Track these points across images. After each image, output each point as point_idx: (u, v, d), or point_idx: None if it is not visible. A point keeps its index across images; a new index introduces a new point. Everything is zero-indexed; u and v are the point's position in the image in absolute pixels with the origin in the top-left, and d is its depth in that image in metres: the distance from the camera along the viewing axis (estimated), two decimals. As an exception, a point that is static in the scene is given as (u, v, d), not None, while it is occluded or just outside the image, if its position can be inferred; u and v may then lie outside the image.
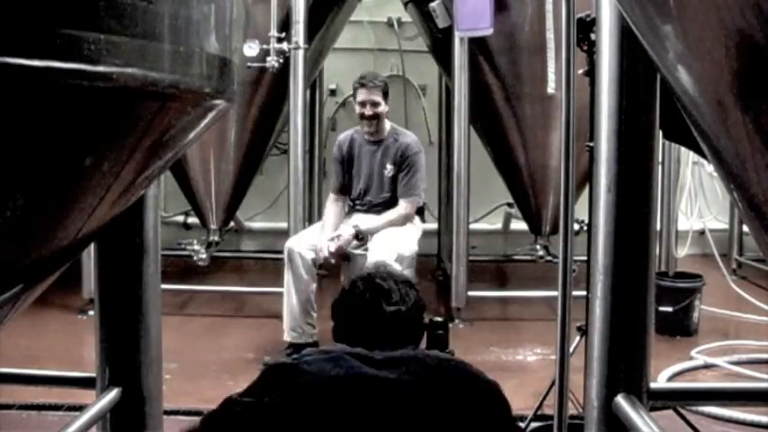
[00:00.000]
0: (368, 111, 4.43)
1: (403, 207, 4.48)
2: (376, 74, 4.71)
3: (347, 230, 4.36)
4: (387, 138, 4.54)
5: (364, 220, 4.51)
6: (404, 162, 4.49)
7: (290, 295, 4.30)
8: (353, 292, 2.11)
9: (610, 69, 2.02)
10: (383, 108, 4.47)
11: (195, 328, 5.05)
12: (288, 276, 4.32)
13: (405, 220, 4.49)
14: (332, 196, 4.72)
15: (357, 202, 4.70)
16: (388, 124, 4.57)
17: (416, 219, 4.61)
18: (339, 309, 2.15)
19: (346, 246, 4.33)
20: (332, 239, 4.31)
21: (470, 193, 5.21)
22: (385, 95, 4.48)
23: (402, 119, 7.16)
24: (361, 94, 4.45)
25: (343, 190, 4.68)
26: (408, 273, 4.16)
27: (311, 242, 4.37)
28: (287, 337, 4.30)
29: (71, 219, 1.28)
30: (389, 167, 4.52)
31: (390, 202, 4.57)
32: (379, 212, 4.55)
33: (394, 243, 4.27)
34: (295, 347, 4.11)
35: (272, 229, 7.04)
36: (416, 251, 4.43)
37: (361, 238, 4.38)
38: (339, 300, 2.16)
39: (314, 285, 4.34)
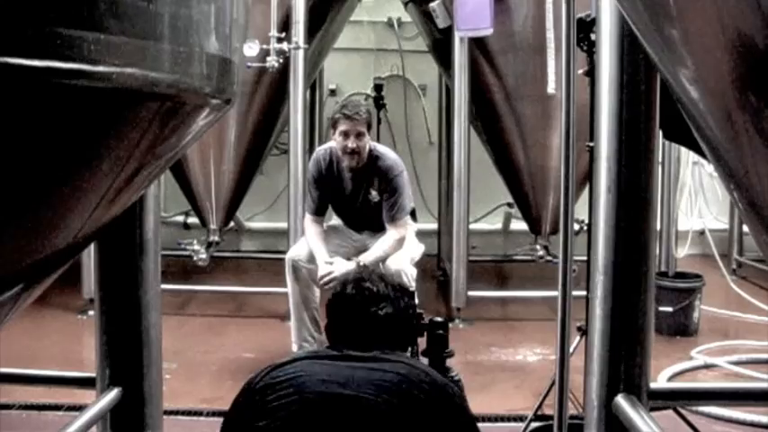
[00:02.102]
0: (351, 143, 4.00)
1: (394, 235, 4.17)
2: (359, 103, 4.26)
3: (347, 265, 4.09)
4: (367, 162, 4.15)
5: (355, 240, 4.40)
6: (387, 186, 4.16)
7: (298, 308, 4.23)
8: (344, 296, 2.18)
9: (610, 69, 2.02)
10: (366, 140, 4.09)
11: (195, 328, 5.06)
12: (295, 289, 4.22)
13: (400, 243, 4.19)
14: (309, 218, 4.29)
15: (349, 221, 4.45)
16: (368, 145, 4.15)
17: (409, 217, 4.50)
18: (330, 311, 2.20)
19: (344, 278, 3.94)
20: (328, 274, 4.04)
21: (470, 193, 5.22)
22: (369, 127, 4.11)
23: (402, 119, 7.17)
24: (345, 125, 4.02)
25: (320, 212, 4.30)
26: (413, 269, 4.16)
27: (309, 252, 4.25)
28: (296, 348, 4.22)
29: (71, 219, 1.28)
30: (374, 193, 4.22)
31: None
32: (375, 232, 4.32)
33: (405, 249, 4.24)
34: None
35: (272, 229, 7.05)
36: (423, 248, 4.44)
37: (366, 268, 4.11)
38: (331, 302, 2.21)
39: (318, 293, 4.28)
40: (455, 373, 2.54)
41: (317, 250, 4.18)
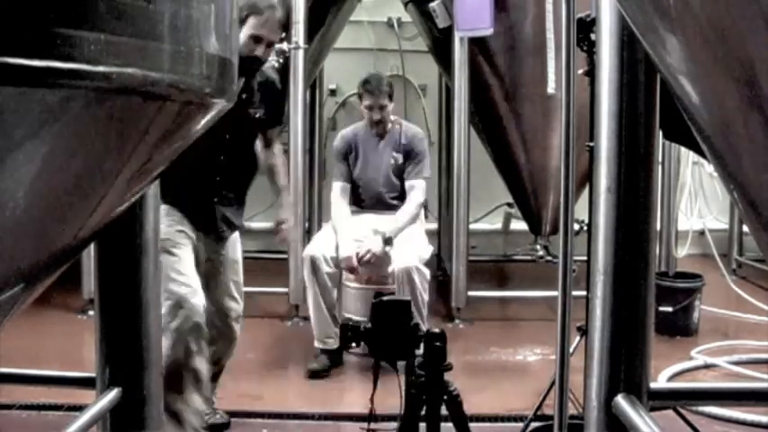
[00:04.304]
0: (375, 115, 4.58)
1: (415, 195, 4.54)
2: (380, 77, 4.81)
3: (375, 243, 4.29)
4: (391, 129, 4.68)
5: (380, 222, 4.47)
6: (411, 150, 4.61)
7: (318, 306, 4.29)
8: None
9: (610, 69, 2.02)
10: (389, 109, 4.64)
11: (195, 328, 5.04)
12: (313, 286, 4.27)
13: (420, 207, 4.59)
14: (338, 185, 4.67)
15: (366, 199, 4.67)
16: (391, 116, 4.71)
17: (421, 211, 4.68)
18: None
19: (379, 255, 4.28)
20: (364, 255, 4.26)
21: (470, 193, 5.22)
22: (390, 97, 4.65)
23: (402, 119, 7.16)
24: (368, 99, 4.60)
25: (348, 178, 4.69)
26: (426, 269, 4.28)
27: (331, 249, 4.32)
28: (318, 345, 4.30)
29: (71, 219, 1.28)
30: (396, 155, 4.61)
31: (400, 197, 4.59)
32: (391, 210, 4.53)
33: (414, 247, 4.31)
34: (328, 353, 4.17)
35: (272, 229, 7.03)
36: (432, 249, 4.65)
37: (389, 241, 4.35)
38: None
39: (335, 294, 4.33)
40: (453, 388, 2.47)
41: (343, 231, 4.38)
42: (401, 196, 4.60)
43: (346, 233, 4.33)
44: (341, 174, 4.70)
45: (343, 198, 4.63)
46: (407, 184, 4.58)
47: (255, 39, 3.20)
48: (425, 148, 4.72)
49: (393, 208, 4.54)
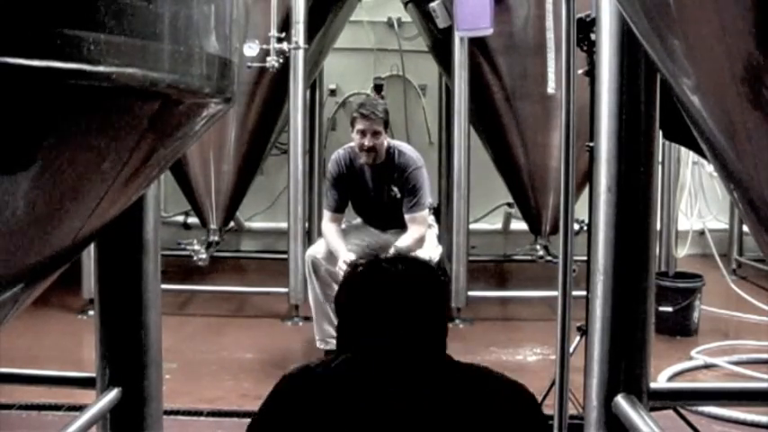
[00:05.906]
0: (368, 142, 4.11)
1: (413, 233, 4.25)
2: (377, 102, 4.37)
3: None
4: (386, 159, 4.27)
5: (383, 237, 4.44)
6: (406, 183, 4.25)
7: (318, 304, 4.27)
8: (354, 282, 1.83)
9: (610, 69, 2.02)
10: (383, 138, 4.18)
11: (195, 328, 5.05)
12: (316, 287, 4.25)
13: (420, 242, 4.26)
14: (328, 215, 4.37)
15: (373, 220, 4.52)
16: (385, 143, 4.25)
17: (431, 218, 4.60)
18: (341, 305, 1.85)
19: None
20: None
21: (470, 193, 5.22)
22: (386, 125, 4.20)
23: (402, 119, 7.16)
24: (362, 124, 4.12)
25: (340, 209, 4.39)
26: None
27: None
28: (320, 345, 4.27)
29: (71, 219, 1.28)
30: (395, 190, 4.31)
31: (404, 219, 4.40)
32: (396, 230, 4.38)
33: (424, 248, 4.28)
34: (330, 353, 4.15)
35: (272, 229, 7.04)
36: (441, 250, 4.56)
37: None
38: (340, 292, 1.86)
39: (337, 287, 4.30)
40: None
41: (337, 247, 4.22)
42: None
43: (341, 250, 4.17)
44: (331, 203, 4.38)
45: (333, 224, 4.34)
46: (406, 217, 4.25)
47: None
48: (420, 177, 4.26)
49: (401, 226, 4.37)
